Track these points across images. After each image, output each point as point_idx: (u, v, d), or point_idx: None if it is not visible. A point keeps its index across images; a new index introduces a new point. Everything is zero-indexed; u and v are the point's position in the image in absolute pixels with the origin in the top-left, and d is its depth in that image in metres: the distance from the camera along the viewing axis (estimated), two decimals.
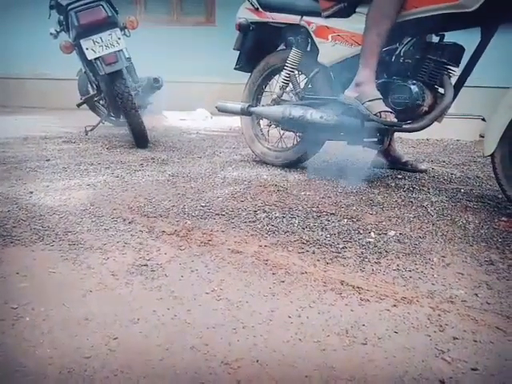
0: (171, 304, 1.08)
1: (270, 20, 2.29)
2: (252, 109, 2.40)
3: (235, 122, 3.92)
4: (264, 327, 0.99)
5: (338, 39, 2.05)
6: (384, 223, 1.60)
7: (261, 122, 2.58)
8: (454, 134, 3.63)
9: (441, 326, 1.01)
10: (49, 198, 1.80)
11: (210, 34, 5.17)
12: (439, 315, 1.05)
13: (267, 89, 2.55)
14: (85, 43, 2.63)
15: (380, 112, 1.85)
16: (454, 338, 0.96)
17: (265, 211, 1.70)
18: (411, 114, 1.88)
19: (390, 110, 1.86)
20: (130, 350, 0.91)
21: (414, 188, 2.01)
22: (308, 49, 2.24)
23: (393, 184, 2.09)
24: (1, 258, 1.28)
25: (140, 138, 2.87)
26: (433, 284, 1.20)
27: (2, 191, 1.88)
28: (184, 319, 1.02)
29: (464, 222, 1.63)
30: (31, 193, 1.87)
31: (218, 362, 0.87)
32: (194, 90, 4.91)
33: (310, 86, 2.27)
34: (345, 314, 1.05)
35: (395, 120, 1.84)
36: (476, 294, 1.15)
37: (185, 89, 4.86)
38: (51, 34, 3.05)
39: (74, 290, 1.12)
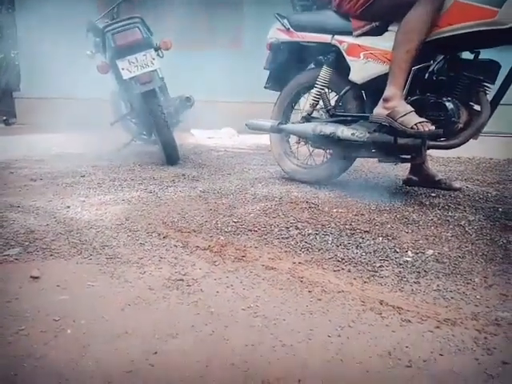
0: (209, 320, 1.08)
1: (301, 40, 2.32)
2: (282, 126, 2.41)
3: (261, 139, 3.95)
4: (303, 346, 0.97)
5: (370, 57, 2.05)
6: (421, 242, 1.56)
7: (290, 139, 2.59)
8: (486, 152, 3.54)
9: (488, 349, 0.97)
10: (85, 213, 1.84)
11: (236, 56, 5.31)
12: (486, 338, 1.01)
13: (296, 107, 2.57)
14: (121, 63, 2.72)
15: (416, 124, 1.82)
16: (504, 363, 0.92)
17: (297, 228, 1.69)
18: (446, 131, 1.85)
19: (425, 119, 1.83)
20: (169, 366, 0.91)
21: (449, 206, 1.96)
22: (338, 67, 2.25)
23: (427, 202, 2.05)
24: (41, 271, 1.31)
25: (171, 155, 2.92)
26: (476, 306, 1.16)
27: (40, 205, 1.93)
28: (222, 335, 1.01)
29: (504, 241, 1.57)
30: (68, 207, 1.91)
31: (259, 381, 0.86)
32: (220, 108, 4.99)
33: (340, 103, 2.27)
34: (386, 335, 1.02)
35: (433, 128, 1.80)
36: None
37: (211, 108, 4.93)
38: (88, 55, 3.17)
39: (112, 304, 1.14)
